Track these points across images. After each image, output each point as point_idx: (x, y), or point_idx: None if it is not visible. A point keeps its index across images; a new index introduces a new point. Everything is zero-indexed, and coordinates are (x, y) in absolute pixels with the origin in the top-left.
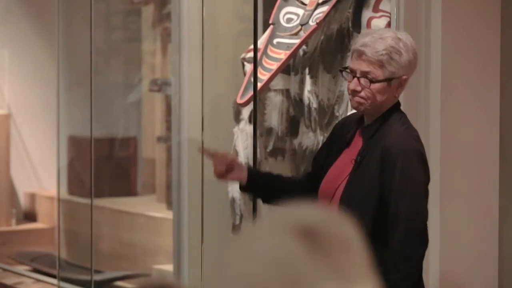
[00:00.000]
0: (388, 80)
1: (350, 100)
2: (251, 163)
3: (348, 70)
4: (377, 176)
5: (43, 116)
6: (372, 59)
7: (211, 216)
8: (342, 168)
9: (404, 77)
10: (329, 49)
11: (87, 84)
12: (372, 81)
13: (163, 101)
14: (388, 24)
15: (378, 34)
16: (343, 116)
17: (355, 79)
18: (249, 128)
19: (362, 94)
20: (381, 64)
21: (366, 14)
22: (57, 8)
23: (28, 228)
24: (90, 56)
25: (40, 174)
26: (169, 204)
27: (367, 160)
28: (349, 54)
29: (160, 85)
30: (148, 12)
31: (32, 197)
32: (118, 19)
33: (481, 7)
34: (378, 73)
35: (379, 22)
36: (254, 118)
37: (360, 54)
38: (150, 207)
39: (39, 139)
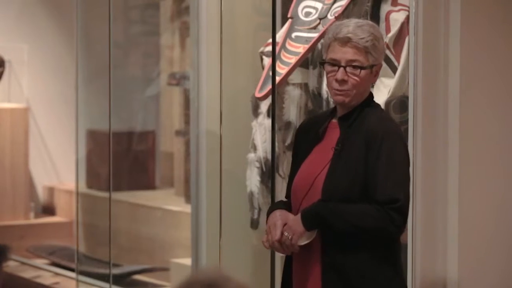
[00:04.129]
0: (371, 67)
1: (333, 95)
2: (269, 157)
3: (329, 62)
4: (362, 160)
5: (61, 109)
6: (359, 46)
7: (229, 210)
8: (318, 160)
9: (380, 65)
10: None
11: (105, 78)
12: (361, 67)
13: (182, 95)
14: (407, 18)
15: (354, 22)
16: None
17: (341, 69)
18: (268, 122)
19: (349, 84)
20: (366, 51)
21: (385, 7)
22: (75, 2)
23: (47, 222)
24: (109, 50)
25: (58, 168)
26: (188, 198)
27: (349, 146)
28: None
29: (178, 79)
30: (167, 6)
31: (51, 190)
32: (136, 12)
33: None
34: (363, 60)
35: (397, 16)
36: (272, 112)
37: (345, 43)
38: (168, 201)
39: (58, 132)
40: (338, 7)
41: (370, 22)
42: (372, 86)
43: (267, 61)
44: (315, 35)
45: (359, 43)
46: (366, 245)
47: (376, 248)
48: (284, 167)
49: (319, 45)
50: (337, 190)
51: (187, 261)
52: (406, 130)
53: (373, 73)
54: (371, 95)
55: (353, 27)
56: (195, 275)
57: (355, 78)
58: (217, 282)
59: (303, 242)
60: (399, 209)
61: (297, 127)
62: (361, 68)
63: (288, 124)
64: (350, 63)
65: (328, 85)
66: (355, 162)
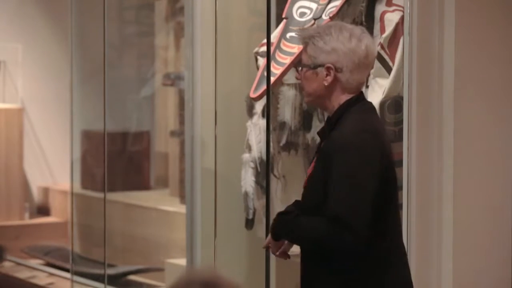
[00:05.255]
0: (313, 67)
1: None
2: (264, 157)
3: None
4: (321, 173)
5: (56, 110)
6: (302, 44)
7: (224, 210)
8: (311, 170)
9: (328, 65)
10: None
11: (100, 78)
12: (301, 66)
13: (176, 95)
14: (402, 18)
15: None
16: None
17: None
18: (262, 122)
19: (302, 84)
20: (305, 49)
21: (380, 8)
22: (70, 2)
23: (41, 222)
24: (104, 50)
25: (53, 168)
26: (182, 198)
27: (320, 157)
28: None
29: (173, 79)
30: (161, 6)
31: (45, 191)
32: (131, 13)
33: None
34: (305, 59)
35: (392, 16)
36: (267, 112)
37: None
38: (163, 201)
39: (52, 133)
40: (333, 7)
41: (341, 23)
42: (367, 87)
43: (262, 61)
44: None
45: (301, 41)
46: (336, 266)
47: (345, 270)
48: (279, 167)
49: None
50: (307, 203)
51: (182, 262)
52: (401, 130)
53: (321, 74)
54: (355, 99)
55: (315, 25)
56: (190, 275)
57: (300, 78)
58: (213, 281)
59: (289, 249)
60: (343, 225)
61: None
62: (301, 66)
63: (282, 124)
64: (299, 63)
65: None
66: (317, 176)
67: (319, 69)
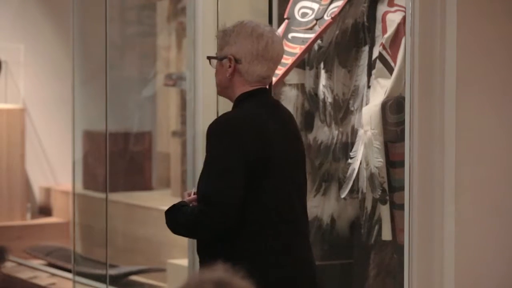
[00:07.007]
0: (219, 59)
1: None
2: None
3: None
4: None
5: (58, 110)
6: (217, 40)
7: None
8: None
9: (230, 56)
10: (344, 43)
11: (102, 79)
12: (213, 59)
13: (178, 96)
14: (403, 19)
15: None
16: (358, 111)
17: None
18: None
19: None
20: (217, 44)
21: (381, 8)
22: (72, 2)
23: (43, 223)
24: (105, 51)
25: (55, 169)
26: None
27: None
28: (364, 48)
29: (175, 80)
30: (163, 6)
31: (47, 191)
32: (133, 13)
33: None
34: (217, 53)
35: (394, 17)
36: None
37: None
38: (164, 201)
39: (54, 133)
40: (335, 7)
41: (251, 21)
42: (369, 87)
43: None
44: (311, 35)
45: (216, 37)
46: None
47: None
48: None
49: (315, 46)
50: (198, 190)
51: (184, 262)
52: (403, 130)
53: (225, 65)
54: (244, 95)
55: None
56: (202, 274)
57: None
58: (225, 280)
59: None
60: (207, 201)
61: None
62: (212, 58)
63: None
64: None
65: None
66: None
67: (224, 61)
